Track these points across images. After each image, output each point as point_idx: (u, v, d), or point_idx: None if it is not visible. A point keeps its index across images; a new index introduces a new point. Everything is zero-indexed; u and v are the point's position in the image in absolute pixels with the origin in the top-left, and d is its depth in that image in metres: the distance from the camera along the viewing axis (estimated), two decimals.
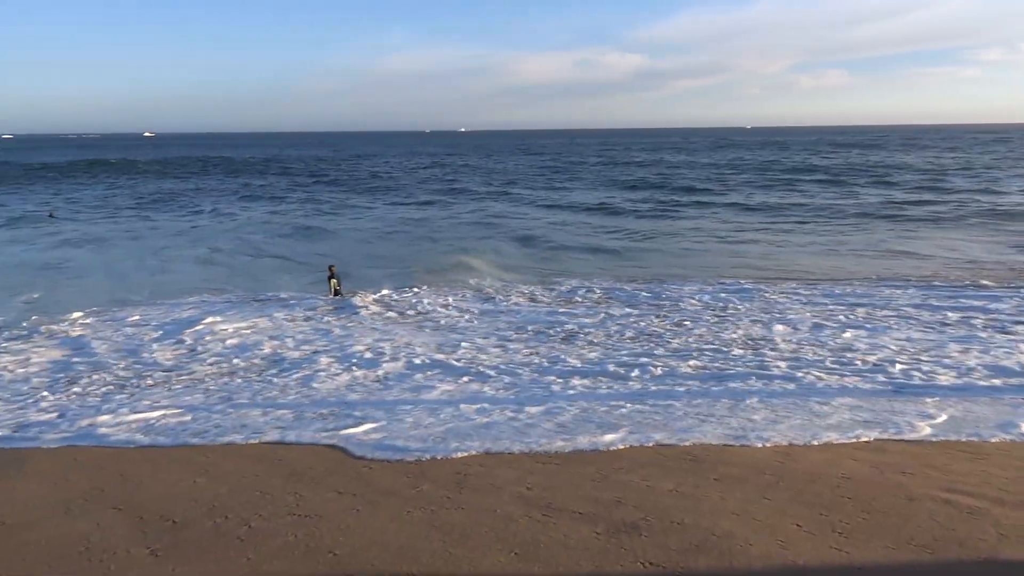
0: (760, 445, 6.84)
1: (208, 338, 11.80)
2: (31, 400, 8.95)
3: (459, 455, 6.71)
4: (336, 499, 5.79)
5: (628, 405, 8.06)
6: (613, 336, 11.22)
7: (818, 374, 9.09)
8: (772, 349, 10.26)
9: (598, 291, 14.82)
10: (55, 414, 8.38)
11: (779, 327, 11.49)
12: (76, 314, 13.60)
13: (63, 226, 29.57)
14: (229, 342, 11.54)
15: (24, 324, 13.02)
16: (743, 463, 6.38)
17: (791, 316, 12.22)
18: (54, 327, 12.68)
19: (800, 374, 9.10)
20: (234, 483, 6.17)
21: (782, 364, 9.53)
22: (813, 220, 27.05)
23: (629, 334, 11.30)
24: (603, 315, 12.65)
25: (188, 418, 8.08)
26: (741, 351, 10.19)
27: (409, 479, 6.17)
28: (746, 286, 14.85)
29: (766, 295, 13.94)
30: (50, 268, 19.67)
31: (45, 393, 9.21)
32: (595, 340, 11.05)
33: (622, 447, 6.82)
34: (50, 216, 31.92)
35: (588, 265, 18.64)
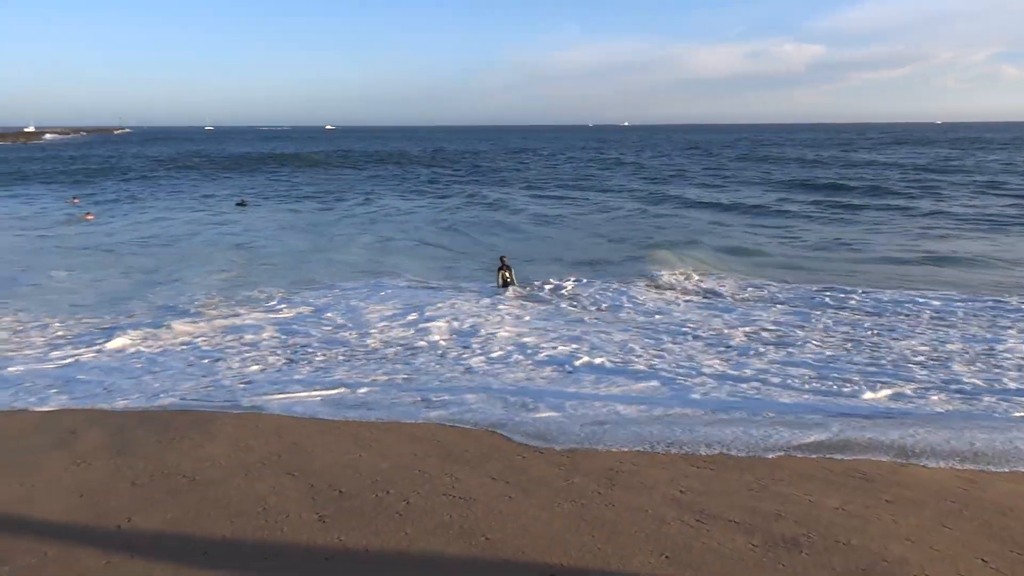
0: (940, 467, 6.28)
1: (385, 321, 12.49)
2: (225, 366, 9.91)
3: (612, 450, 6.67)
4: (490, 484, 5.92)
5: (801, 415, 7.67)
6: (796, 343, 10.69)
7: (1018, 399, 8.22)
8: (964, 365, 9.41)
9: (784, 293, 14.23)
10: (245, 382, 9.23)
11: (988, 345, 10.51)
12: (267, 291, 14.93)
13: (254, 211, 32.35)
14: (405, 324, 12.19)
15: (219, 299, 14.41)
16: (920, 486, 5.87)
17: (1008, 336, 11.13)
18: (249, 303, 13.98)
19: (993, 398, 8.27)
20: (395, 459, 6.47)
21: (976, 381, 8.71)
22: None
23: (814, 343, 10.70)
24: (791, 318, 12.14)
25: (362, 391, 8.64)
26: (925, 367, 9.41)
27: (561, 471, 6.20)
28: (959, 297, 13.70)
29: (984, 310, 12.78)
30: (243, 249, 21.59)
31: (236, 362, 10.14)
32: (774, 343, 10.61)
33: (780, 456, 6.49)
34: (240, 204, 35.09)
35: (774, 266, 17.93)
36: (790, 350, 10.26)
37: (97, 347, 11.05)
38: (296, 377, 9.39)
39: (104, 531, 5.05)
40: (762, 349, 10.30)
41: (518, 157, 77.08)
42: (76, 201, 35.38)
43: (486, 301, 13.92)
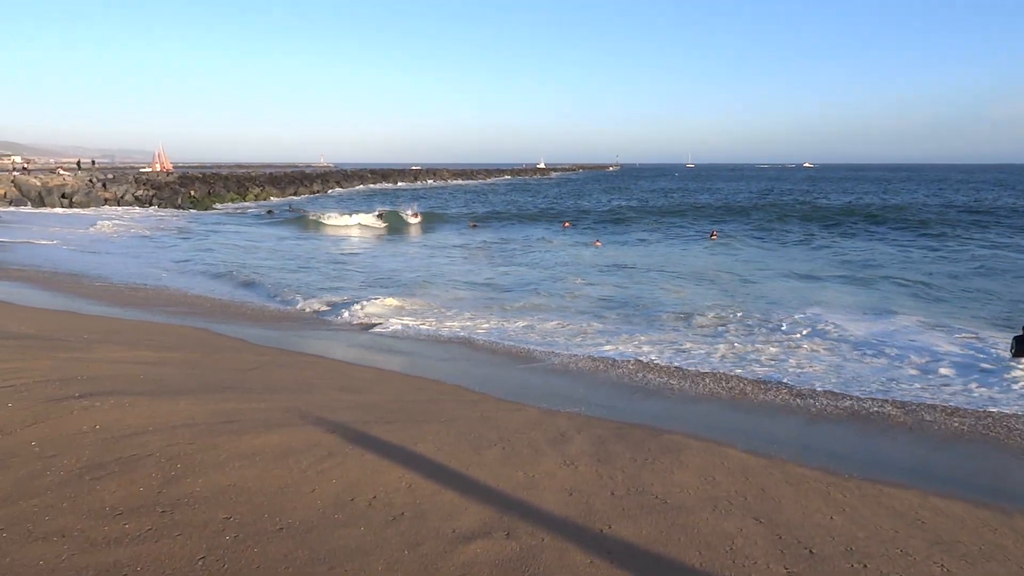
0: None
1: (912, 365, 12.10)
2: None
3: None
4: None
5: None
6: None
7: None
8: None
9: None
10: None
11: None
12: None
13: (731, 249, 33.09)
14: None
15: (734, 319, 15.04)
16: None
17: None
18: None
19: None
20: (872, 531, 5.89)
21: None
22: None
23: None
24: None
25: (841, 446, 8.13)
26: None
27: None
28: None
29: None
30: (747, 282, 22.31)
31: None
32: None
33: None
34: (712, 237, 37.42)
35: None
36: None
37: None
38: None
39: (589, 532, 5.57)
40: None
41: None
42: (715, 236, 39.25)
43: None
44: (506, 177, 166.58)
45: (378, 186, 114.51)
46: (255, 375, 9.79)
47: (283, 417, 7.52)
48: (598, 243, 36.47)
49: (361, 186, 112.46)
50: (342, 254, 31.61)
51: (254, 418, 7.35)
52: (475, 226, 48.01)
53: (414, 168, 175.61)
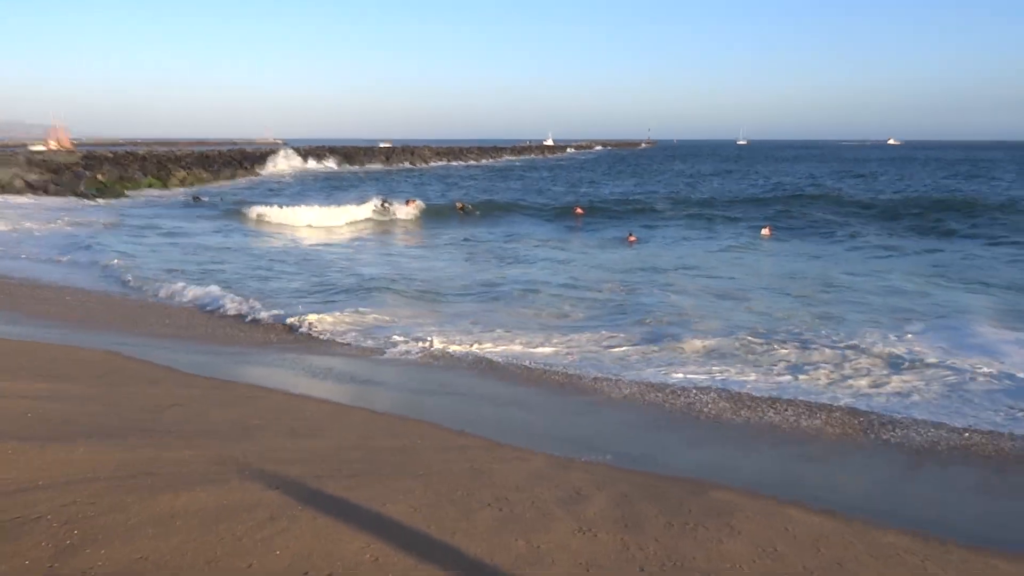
0: None
1: None
2: None
3: None
4: None
5: None
6: None
7: None
8: None
9: None
10: None
11: None
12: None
13: (778, 247, 33.13)
14: None
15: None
16: None
17: None
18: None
19: None
20: None
21: None
22: None
23: None
24: None
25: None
26: None
27: None
28: None
29: None
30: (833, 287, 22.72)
31: None
32: None
33: None
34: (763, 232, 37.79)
35: None
36: None
37: None
38: None
39: None
40: None
41: None
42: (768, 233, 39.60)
43: None
44: (506, 157, 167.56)
45: (342, 169, 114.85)
46: (177, 414, 9.73)
47: (213, 470, 7.45)
48: (632, 238, 36.53)
49: (313, 163, 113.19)
50: (308, 255, 31.59)
51: (175, 471, 7.28)
52: (474, 212, 49.02)
53: (383, 146, 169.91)
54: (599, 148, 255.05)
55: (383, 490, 7.40)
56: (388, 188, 71.28)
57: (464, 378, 13.59)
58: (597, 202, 55.92)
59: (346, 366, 14.16)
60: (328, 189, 73.85)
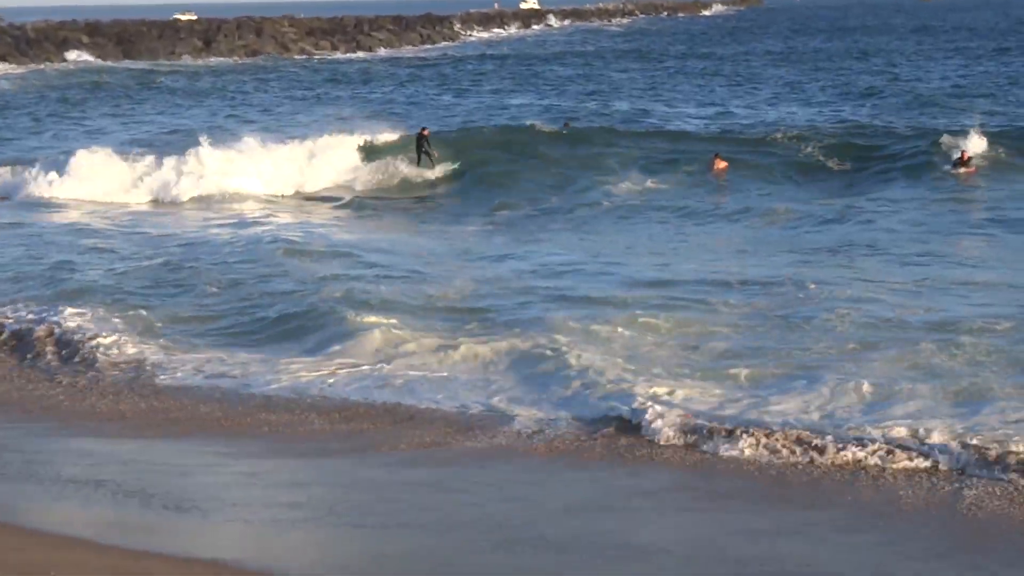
0: None
1: None
2: None
3: None
4: None
5: None
6: None
7: None
8: None
9: None
10: None
11: None
12: None
13: None
14: None
15: None
16: None
17: None
18: None
19: None
20: None
21: None
22: None
23: None
24: None
25: None
26: None
27: None
28: None
29: None
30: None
31: None
32: None
33: None
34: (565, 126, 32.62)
35: None
36: None
37: None
38: None
39: None
40: None
41: None
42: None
43: None
44: (474, 34, 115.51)
45: (105, 65, 70.21)
46: None
47: None
48: (723, 164, 26.45)
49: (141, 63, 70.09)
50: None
51: None
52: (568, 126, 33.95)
53: (184, 18, 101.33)
54: (628, 19, 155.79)
55: None
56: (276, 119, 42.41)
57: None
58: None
59: None
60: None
